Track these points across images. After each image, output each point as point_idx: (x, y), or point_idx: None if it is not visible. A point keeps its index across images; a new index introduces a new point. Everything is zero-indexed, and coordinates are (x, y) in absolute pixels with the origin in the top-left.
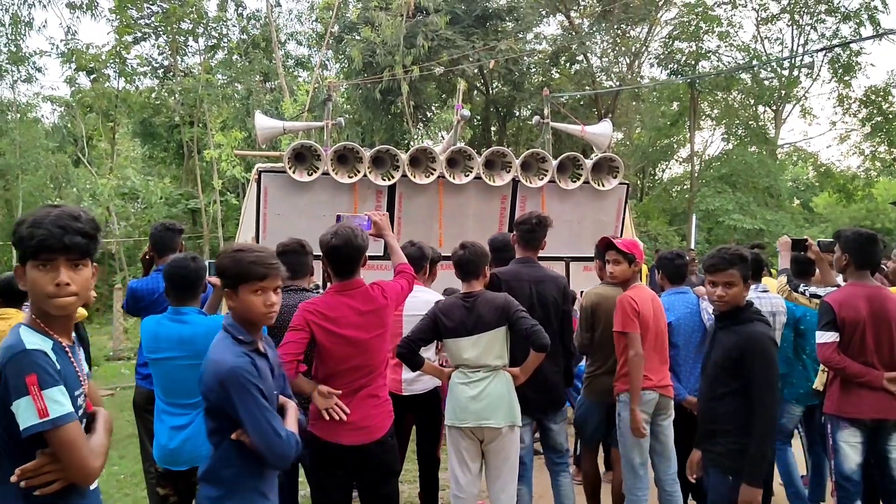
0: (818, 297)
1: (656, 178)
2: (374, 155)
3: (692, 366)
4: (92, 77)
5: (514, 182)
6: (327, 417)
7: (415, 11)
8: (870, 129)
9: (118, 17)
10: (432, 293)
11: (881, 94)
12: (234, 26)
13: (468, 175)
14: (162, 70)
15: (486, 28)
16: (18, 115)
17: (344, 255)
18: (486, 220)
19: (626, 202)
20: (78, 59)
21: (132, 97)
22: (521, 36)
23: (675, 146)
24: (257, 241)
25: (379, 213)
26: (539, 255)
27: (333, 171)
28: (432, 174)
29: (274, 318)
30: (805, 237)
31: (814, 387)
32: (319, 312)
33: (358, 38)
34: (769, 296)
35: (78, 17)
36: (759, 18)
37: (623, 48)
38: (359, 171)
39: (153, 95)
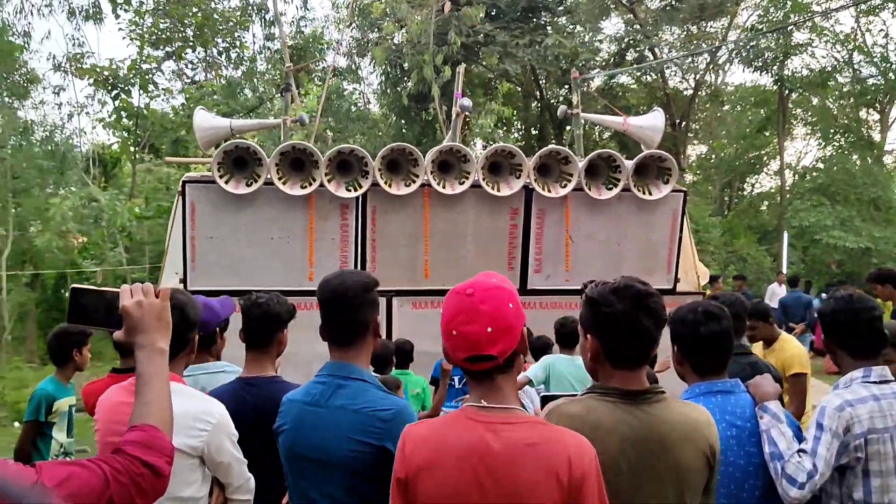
0: None
1: (744, 192)
2: (335, 158)
3: None
4: (114, 94)
5: (528, 191)
6: None
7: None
8: None
9: (137, 28)
10: (198, 398)
11: None
12: (259, 29)
13: (463, 183)
14: (196, 86)
15: (532, 23)
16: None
17: None
18: (490, 241)
19: (683, 215)
20: (90, 73)
21: (154, 114)
22: (575, 29)
23: (765, 158)
24: (185, 273)
25: (134, 290)
26: (561, 287)
27: (280, 179)
28: (414, 182)
29: None
30: None
31: None
32: None
33: (387, 37)
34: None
35: (78, 27)
36: (858, 10)
37: (699, 43)
38: (315, 180)
39: (185, 113)
